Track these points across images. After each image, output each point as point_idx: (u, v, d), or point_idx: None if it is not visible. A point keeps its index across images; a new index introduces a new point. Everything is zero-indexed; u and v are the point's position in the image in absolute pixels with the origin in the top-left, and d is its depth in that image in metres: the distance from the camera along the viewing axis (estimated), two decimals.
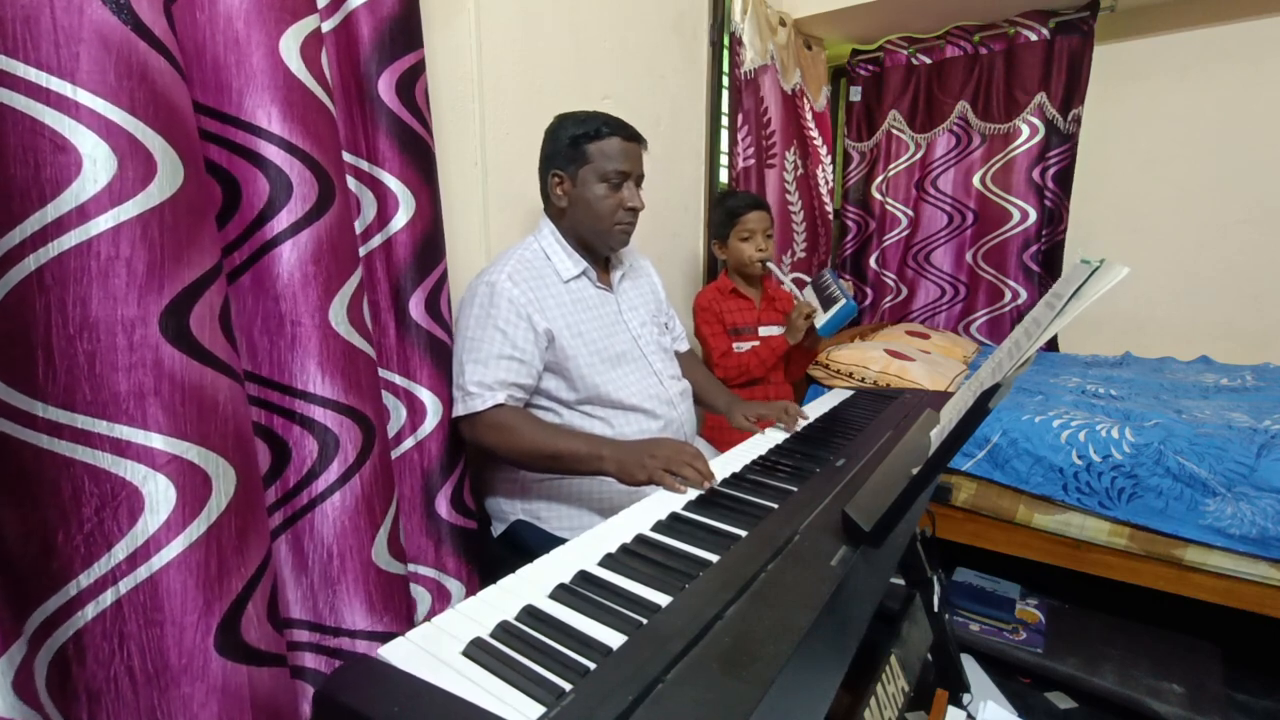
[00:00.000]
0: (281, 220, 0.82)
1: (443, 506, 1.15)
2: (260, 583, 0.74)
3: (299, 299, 0.83)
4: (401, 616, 0.95)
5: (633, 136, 1.19)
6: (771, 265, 1.78)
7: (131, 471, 0.63)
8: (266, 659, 0.73)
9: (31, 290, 0.59)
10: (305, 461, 0.86)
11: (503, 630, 0.56)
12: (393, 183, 1.04)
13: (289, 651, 0.88)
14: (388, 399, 1.08)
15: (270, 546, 0.77)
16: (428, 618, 1.11)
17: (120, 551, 0.63)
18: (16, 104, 0.58)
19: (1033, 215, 2.53)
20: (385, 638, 0.89)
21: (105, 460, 0.62)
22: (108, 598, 0.63)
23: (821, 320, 1.64)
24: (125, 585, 0.63)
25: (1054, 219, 2.50)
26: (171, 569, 0.65)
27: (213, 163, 0.80)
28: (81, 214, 0.60)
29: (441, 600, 1.16)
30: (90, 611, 0.63)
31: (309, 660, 0.91)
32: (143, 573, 0.64)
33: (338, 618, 0.89)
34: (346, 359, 0.87)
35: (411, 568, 1.12)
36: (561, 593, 0.62)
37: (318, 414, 0.86)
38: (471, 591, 1.17)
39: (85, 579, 0.62)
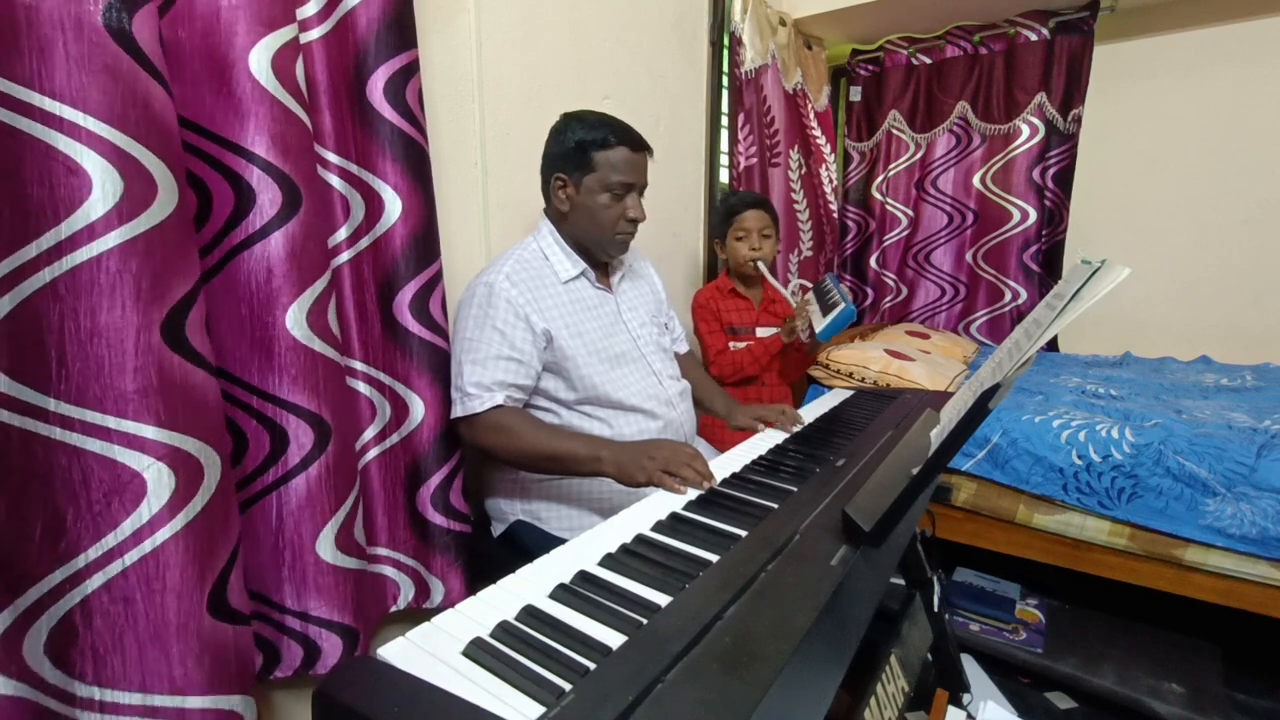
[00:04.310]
0: (245, 229, 0.86)
1: (426, 504, 1.16)
2: (238, 553, 0.83)
3: (255, 303, 0.87)
4: (345, 607, 0.98)
5: (640, 146, 1.18)
6: (763, 267, 1.75)
7: (137, 461, 0.71)
8: (242, 618, 0.83)
9: (46, 300, 0.66)
10: (259, 454, 0.91)
11: (502, 630, 0.55)
12: (381, 184, 1.05)
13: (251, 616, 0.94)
14: (373, 396, 1.09)
15: (239, 523, 0.86)
16: (408, 608, 1.15)
17: (127, 528, 0.71)
18: (35, 131, 0.64)
19: (1033, 215, 2.53)
20: (323, 623, 0.97)
21: (114, 451, 0.70)
22: (114, 568, 0.71)
23: (820, 325, 1.63)
24: (131, 558, 0.72)
25: (1054, 219, 2.50)
26: (170, 545, 0.73)
27: (190, 172, 0.83)
28: (91, 232, 0.67)
29: (421, 595, 1.19)
30: (98, 580, 0.71)
31: (257, 624, 0.96)
32: (147, 547, 0.72)
33: (280, 596, 0.95)
34: (302, 362, 0.90)
35: (397, 557, 1.15)
36: (561, 593, 0.62)
37: (269, 411, 0.90)
38: (454, 592, 1.19)
39: (94, 552, 0.71)
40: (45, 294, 0.66)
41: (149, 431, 0.71)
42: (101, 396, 0.68)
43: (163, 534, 0.72)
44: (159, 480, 0.71)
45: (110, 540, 0.70)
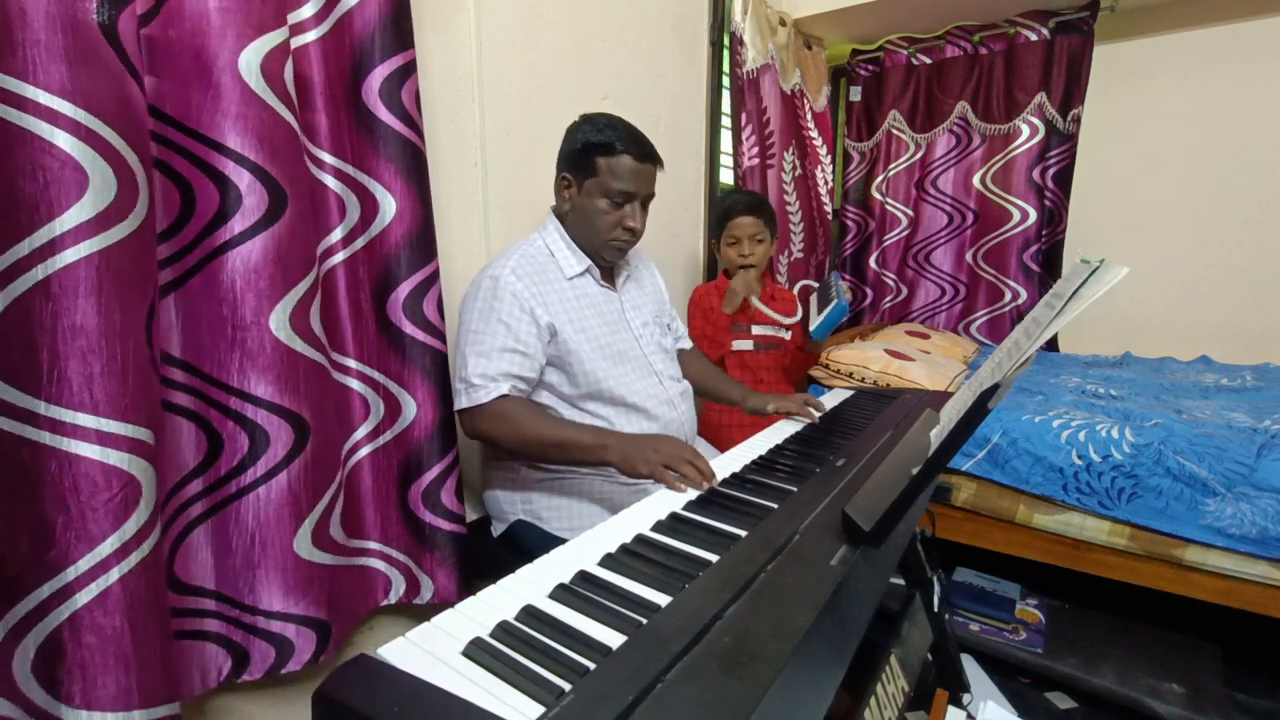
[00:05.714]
0: (229, 229, 0.86)
1: (418, 502, 1.16)
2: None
3: (239, 304, 0.87)
4: (320, 602, 0.99)
5: (647, 156, 1.18)
6: (755, 301, 1.73)
7: (115, 459, 0.70)
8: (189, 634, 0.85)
9: (33, 299, 0.65)
10: (236, 454, 0.91)
11: (502, 630, 0.55)
12: (376, 185, 1.05)
13: (209, 619, 0.95)
14: (366, 393, 1.10)
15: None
16: (398, 602, 1.17)
17: (115, 542, 0.70)
18: (25, 124, 0.63)
19: (1033, 215, 2.53)
20: (299, 620, 0.97)
21: (93, 451, 0.68)
22: (110, 578, 0.70)
23: (815, 322, 1.63)
24: (124, 568, 0.71)
25: (1054, 219, 2.50)
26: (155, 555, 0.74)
27: (174, 170, 0.83)
28: (70, 233, 0.66)
29: (411, 590, 1.19)
30: (92, 591, 0.69)
31: (221, 628, 0.96)
32: (134, 559, 0.71)
33: (255, 598, 0.94)
34: (285, 363, 0.90)
35: (388, 551, 1.16)
36: (561, 593, 0.62)
37: (250, 412, 0.90)
38: (443, 589, 1.20)
39: (85, 563, 0.69)
40: (34, 294, 0.65)
41: (121, 428, 0.70)
42: (82, 397, 0.68)
43: (149, 543, 0.72)
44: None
45: (89, 559, 0.69)
